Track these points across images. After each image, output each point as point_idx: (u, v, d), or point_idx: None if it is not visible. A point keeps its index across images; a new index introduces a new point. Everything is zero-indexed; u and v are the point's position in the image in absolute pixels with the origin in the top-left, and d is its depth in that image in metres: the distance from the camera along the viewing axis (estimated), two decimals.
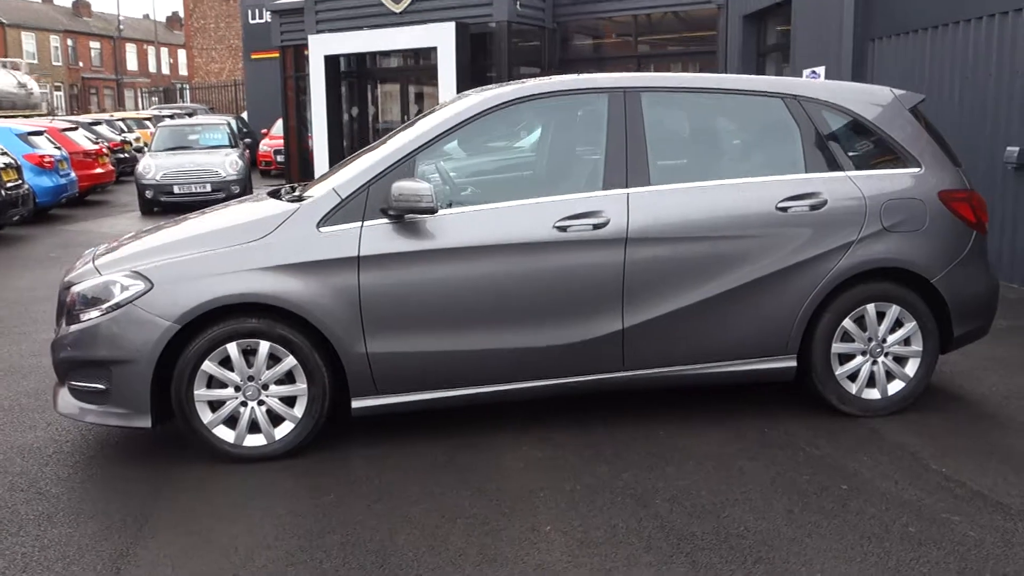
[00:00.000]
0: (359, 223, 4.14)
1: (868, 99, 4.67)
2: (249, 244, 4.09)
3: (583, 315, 4.29)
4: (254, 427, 4.15)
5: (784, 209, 4.39)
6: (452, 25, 15.38)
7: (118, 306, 4.03)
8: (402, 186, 4.01)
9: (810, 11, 11.67)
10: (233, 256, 4.07)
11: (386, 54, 17.39)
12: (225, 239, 4.14)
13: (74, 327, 4.13)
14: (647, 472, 3.96)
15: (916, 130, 4.66)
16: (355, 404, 4.21)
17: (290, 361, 4.10)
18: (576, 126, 4.58)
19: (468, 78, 15.76)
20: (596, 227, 4.22)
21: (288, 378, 4.14)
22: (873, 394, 4.57)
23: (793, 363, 4.50)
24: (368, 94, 18.03)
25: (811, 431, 4.39)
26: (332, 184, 4.25)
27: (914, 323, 4.55)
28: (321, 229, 4.13)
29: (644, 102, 4.41)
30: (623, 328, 4.31)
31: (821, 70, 11.32)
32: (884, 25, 10.00)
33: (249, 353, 4.09)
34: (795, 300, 4.42)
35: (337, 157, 17.65)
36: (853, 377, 4.56)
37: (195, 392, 4.06)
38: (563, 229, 4.21)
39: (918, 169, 4.58)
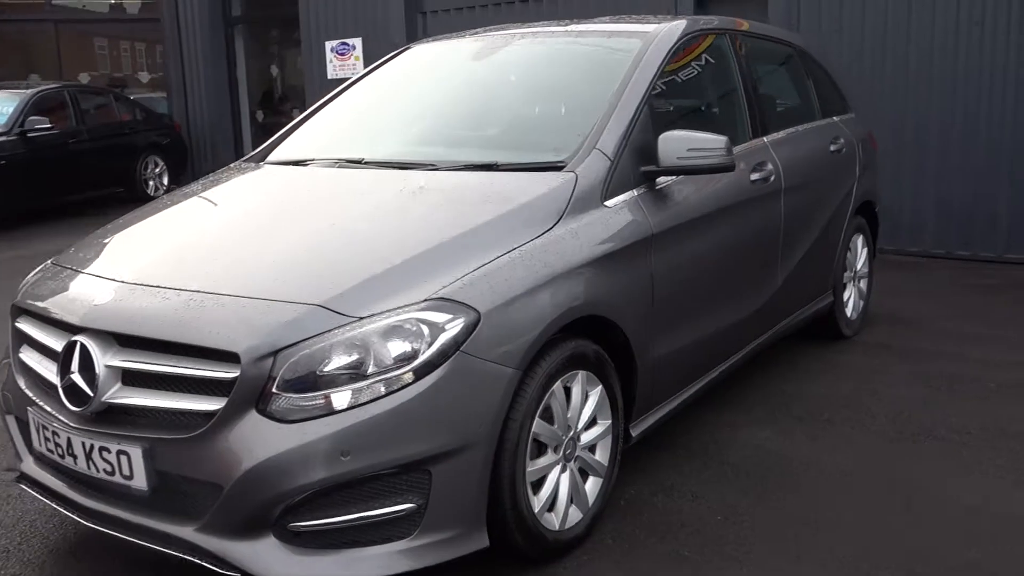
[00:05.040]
0: (632, 192, 3.13)
1: (823, 55, 5.15)
2: (550, 235, 2.76)
3: (768, 272, 3.98)
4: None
5: (834, 152, 4.66)
6: None
7: (438, 360, 2.36)
8: (695, 138, 3.13)
9: None
10: (544, 254, 2.71)
11: None
12: (505, 232, 2.71)
13: (338, 420, 2.28)
14: (896, 418, 3.94)
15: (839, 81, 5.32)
16: (635, 430, 3.20)
17: (599, 392, 2.92)
18: (713, 70, 4.06)
19: None
20: (766, 179, 3.92)
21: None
22: (853, 315, 5.17)
23: (832, 297, 4.82)
24: None
25: (880, 358, 4.81)
26: (592, 143, 3.06)
27: (867, 249, 5.26)
28: (606, 204, 3.01)
29: (742, 48, 4.17)
30: (780, 283, 4.11)
31: (357, 41, 11.19)
32: (431, 2, 10.46)
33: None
34: (837, 237, 4.75)
35: None
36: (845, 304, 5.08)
37: (527, 469, 2.63)
38: (753, 183, 3.82)
39: (853, 115, 5.26)
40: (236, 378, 2.28)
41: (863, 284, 5.25)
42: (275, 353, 2.29)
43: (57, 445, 2.57)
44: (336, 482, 2.27)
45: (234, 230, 2.88)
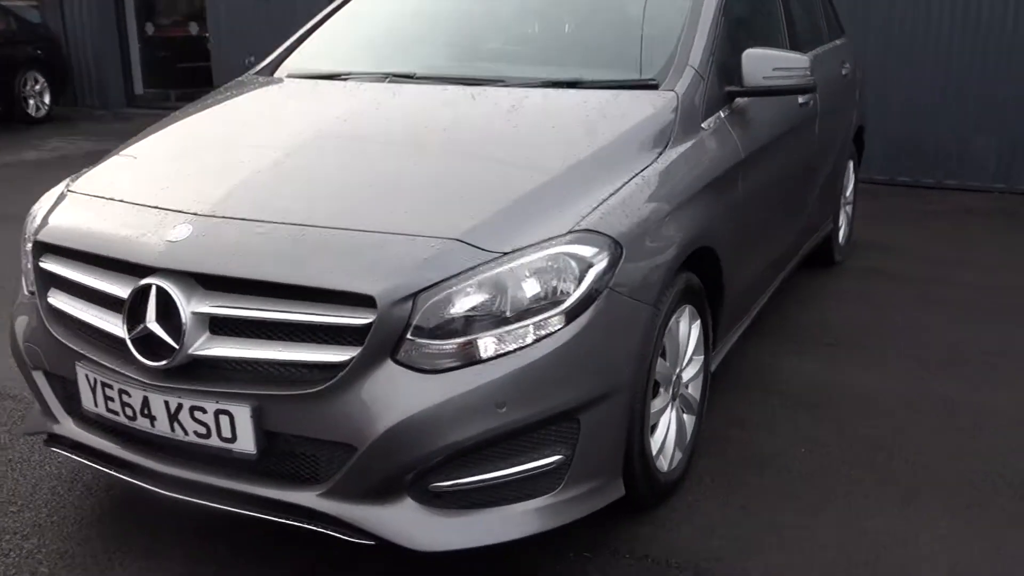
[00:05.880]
0: (719, 113, 2.93)
1: None
2: (664, 160, 2.54)
3: (805, 198, 3.90)
4: None
5: (843, 76, 4.58)
6: None
7: (588, 299, 2.12)
8: (780, 57, 2.96)
9: None
10: (664, 181, 2.49)
11: None
12: (623, 156, 2.46)
13: (490, 369, 2.03)
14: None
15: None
16: (712, 364, 3.05)
17: (698, 326, 2.76)
18: None
19: None
20: (807, 103, 3.78)
21: None
22: (843, 241, 5.18)
23: (832, 223, 4.80)
24: None
25: (877, 283, 4.84)
26: (683, 58, 2.82)
27: (854, 175, 5.26)
28: (702, 127, 2.80)
29: None
30: (810, 209, 4.03)
31: None
32: None
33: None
34: (842, 162, 4.70)
35: None
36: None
37: (650, 411, 2.45)
38: (800, 106, 3.68)
39: (846, 38, 5.18)
40: (371, 324, 1.98)
41: (849, 210, 5.26)
42: (415, 295, 2.00)
43: (125, 405, 2.20)
44: (490, 436, 2.03)
45: (309, 155, 2.50)
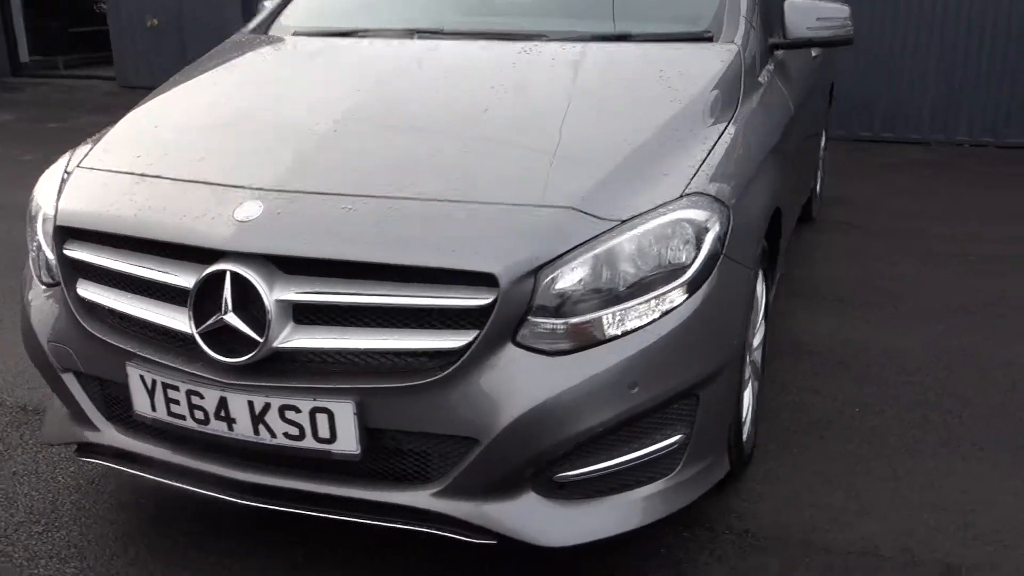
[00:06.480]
0: (768, 67, 2.82)
1: None
2: (742, 117, 2.40)
3: (814, 151, 3.84)
4: None
5: None
6: None
7: (708, 266, 1.98)
8: (822, 7, 2.86)
9: None
10: (747, 139, 2.36)
11: None
12: (706, 114, 2.31)
13: (620, 347, 1.87)
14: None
15: None
16: None
17: (763, 290, 2.66)
18: None
19: None
20: (815, 56, 3.73)
21: None
22: (818, 195, 5.20)
23: (815, 179, 4.80)
24: None
25: (856, 237, 4.88)
26: (735, 9, 2.68)
27: (825, 130, 5.28)
28: (759, 80, 2.68)
29: None
30: (809, 162, 4.00)
31: None
32: None
33: None
34: (823, 117, 4.69)
35: None
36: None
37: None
38: (814, 58, 3.62)
39: None
40: (492, 305, 1.79)
41: (822, 165, 5.29)
42: (536, 271, 1.83)
43: (195, 408, 1.95)
44: (623, 419, 1.88)
45: (367, 121, 2.26)
